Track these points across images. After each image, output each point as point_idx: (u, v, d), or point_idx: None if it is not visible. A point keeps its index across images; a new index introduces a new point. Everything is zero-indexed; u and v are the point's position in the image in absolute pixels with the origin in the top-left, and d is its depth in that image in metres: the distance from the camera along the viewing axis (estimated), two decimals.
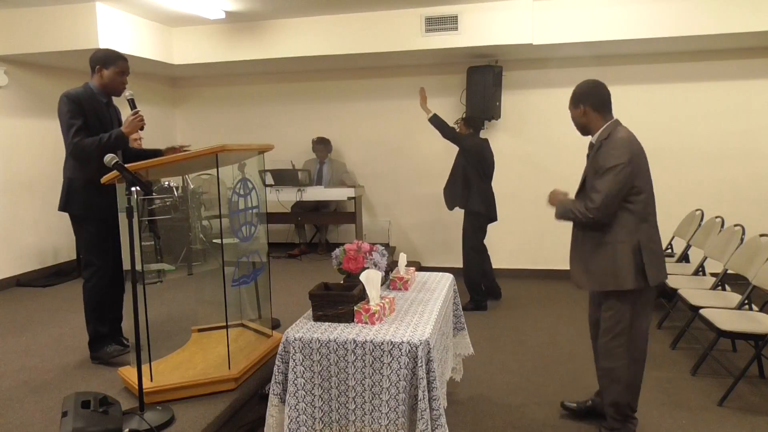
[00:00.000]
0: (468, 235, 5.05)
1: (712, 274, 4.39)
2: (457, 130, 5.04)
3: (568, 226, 2.84)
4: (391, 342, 2.29)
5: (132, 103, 3.06)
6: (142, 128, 3.09)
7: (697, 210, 4.99)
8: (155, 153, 3.39)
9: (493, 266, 5.30)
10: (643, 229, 2.60)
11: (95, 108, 3.12)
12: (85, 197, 3.11)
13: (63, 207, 3.19)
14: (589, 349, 4.04)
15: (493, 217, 5.06)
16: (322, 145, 6.34)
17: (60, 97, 3.07)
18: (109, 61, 3.14)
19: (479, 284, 5.09)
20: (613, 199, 2.56)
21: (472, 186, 4.93)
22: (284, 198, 5.99)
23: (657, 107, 5.85)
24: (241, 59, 5.76)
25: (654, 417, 3.05)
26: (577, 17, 5.09)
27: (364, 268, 2.67)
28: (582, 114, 2.70)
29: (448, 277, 3.35)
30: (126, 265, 2.54)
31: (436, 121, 4.96)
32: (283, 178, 6.04)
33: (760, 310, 3.59)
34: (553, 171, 6.02)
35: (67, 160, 3.16)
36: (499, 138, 6.05)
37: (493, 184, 5.07)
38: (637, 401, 2.81)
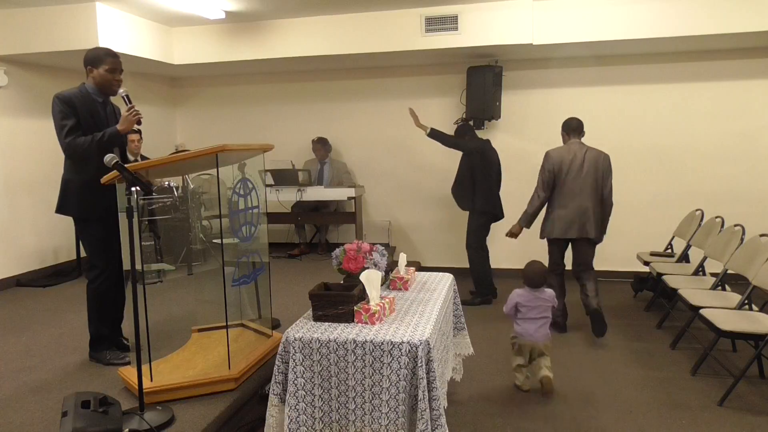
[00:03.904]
0: (471, 233, 5.13)
1: (712, 274, 4.39)
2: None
3: None
4: (391, 342, 2.29)
5: (127, 99, 3.04)
6: (139, 123, 3.06)
7: (697, 210, 4.99)
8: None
9: (494, 266, 5.30)
10: (554, 202, 4.27)
11: (89, 108, 3.10)
12: (81, 198, 3.10)
13: (59, 209, 3.19)
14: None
15: (498, 215, 5.11)
16: (320, 144, 6.34)
17: (52, 99, 3.05)
18: (97, 60, 3.10)
19: (485, 278, 5.15)
20: (539, 183, 4.32)
21: (477, 186, 5.01)
22: (284, 198, 5.99)
23: (657, 107, 5.85)
24: (241, 59, 5.76)
25: (654, 417, 3.05)
26: (577, 17, 5.09)
27: (364, 268, 2.67)
28: (562, 135, 4.43)
29: (448, 277, 3.35)
30: (126, 265, 2.54)
31: (435, 135, 5.06)
32: (283, 178, 6.04)
33: (760, 310, 3.59)
34: None
35: (65, 162, 3.15)
36: (499, 138, 6.04)
37: None
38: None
